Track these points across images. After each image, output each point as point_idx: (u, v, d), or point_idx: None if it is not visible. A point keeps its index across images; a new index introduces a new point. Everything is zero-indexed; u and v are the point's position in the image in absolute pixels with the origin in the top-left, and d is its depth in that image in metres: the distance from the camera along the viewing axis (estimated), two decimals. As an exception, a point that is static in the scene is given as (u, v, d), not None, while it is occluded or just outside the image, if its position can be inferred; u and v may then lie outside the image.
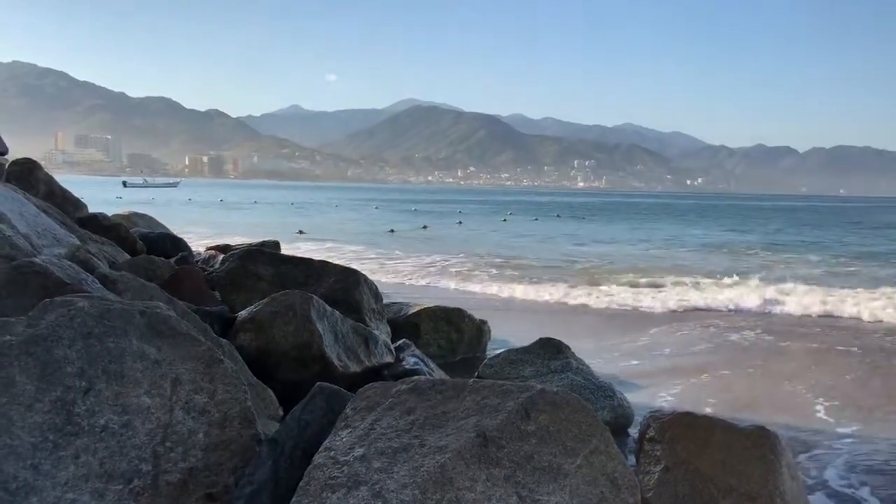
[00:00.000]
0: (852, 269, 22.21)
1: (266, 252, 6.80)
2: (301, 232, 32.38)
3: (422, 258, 22.45)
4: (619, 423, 5.40)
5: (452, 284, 16.30)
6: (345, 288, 6.39)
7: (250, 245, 10.33)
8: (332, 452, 2.74)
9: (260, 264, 6.52)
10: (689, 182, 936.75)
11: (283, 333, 5.08)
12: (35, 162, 9.11)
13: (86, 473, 2.94)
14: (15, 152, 10.47)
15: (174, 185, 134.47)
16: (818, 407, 7.07)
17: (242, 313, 5.35)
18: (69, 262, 4.55)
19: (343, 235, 32.63)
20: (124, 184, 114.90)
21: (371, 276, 7.73)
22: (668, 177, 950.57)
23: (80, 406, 3.03)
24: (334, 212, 60.91)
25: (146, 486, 3.04)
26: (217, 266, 7.16)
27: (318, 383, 3.32)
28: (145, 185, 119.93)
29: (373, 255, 23.19)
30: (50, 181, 8.96)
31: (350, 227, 39.37)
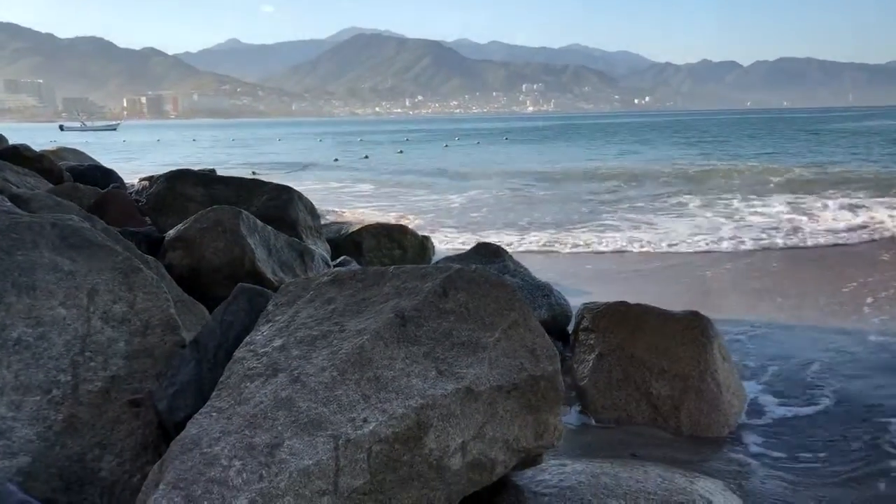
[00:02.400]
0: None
1: (195, 172, 6.60)
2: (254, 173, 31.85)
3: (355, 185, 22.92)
4: (557, 322, 5.46)
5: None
6: (278, 205, 6.26)
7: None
8: (252, 346, 2.69)
9: (189, 185, 6.33)
10: (636, 101, 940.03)
11: (212, 250, 4.96)
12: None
13: (0, 386, 2.85)
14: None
15: (113, 127, 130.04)
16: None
17: (171, 232, 5.21)
18: (-22, 185, 4.34)
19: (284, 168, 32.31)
20: (61, 128, 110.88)
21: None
22: (616, 97, 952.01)
23: (-10, 320, 2.92)
24: (277, 146, 59.76)
25: (66, 395, 2.96)
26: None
27: (239, 284, 3.25)
28: (83, 129, 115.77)
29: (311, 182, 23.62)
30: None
31: (291, 160, 38.76)
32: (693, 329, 4.30)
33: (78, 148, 16.02)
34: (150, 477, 2.29)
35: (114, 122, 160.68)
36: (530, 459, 2.68)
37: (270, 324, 2.80)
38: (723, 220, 13.53)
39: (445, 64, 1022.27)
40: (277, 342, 2.64)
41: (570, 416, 4.42)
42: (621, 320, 4.39)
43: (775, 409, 4.68)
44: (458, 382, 2.40)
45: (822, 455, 3.98)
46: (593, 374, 4.32)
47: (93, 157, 12.44)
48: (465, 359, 2.47)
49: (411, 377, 2.40)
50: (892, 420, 4.43)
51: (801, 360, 5.59)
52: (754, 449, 4.02)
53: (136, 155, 43.33)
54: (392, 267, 2.86)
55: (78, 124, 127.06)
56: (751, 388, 4.90)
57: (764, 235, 11.50)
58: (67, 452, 2.85)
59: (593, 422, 4.24)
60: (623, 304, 4.51)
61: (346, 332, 2.57)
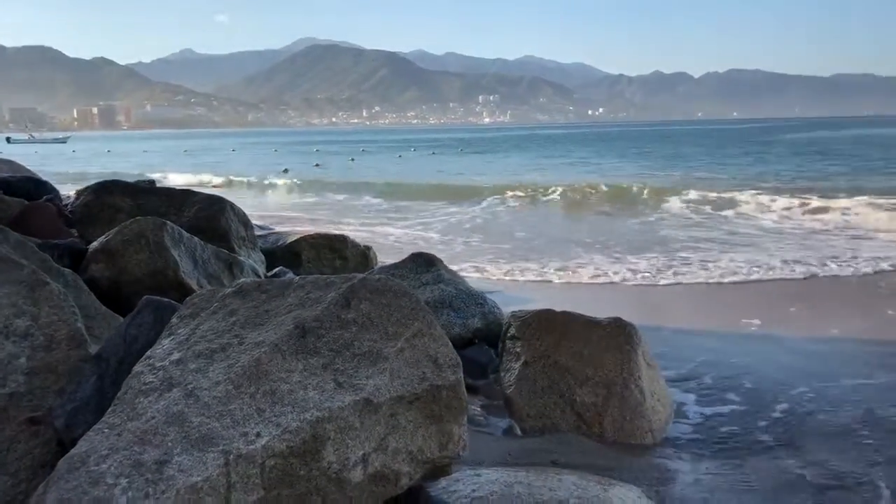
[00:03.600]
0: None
1: (124, 183, 6.46)
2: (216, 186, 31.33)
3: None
4: (490, 329, 5.45)
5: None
6: (209, 216, 6.15)
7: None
8: (151, 360, 2.62)
9: (117, 196, 6.19)
10: (590, 112, 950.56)
11: (135, 262, 4.85)
12: None
13: None
14: None
15: (63, 140, 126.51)
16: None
17: (93, 244, 5.09)
18: None
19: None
20: (8, 140, 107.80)
21: (251, 213, 7.50)
22: (571, 108, 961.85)
23: None
24: (231, 156, 59.08)
25: (-41, 414, 2.85)
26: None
27: (145, 297, 3.16)
28: (31, 141, 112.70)
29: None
30: None
31: (243, 170, 38.39)
32: (617, 336, 4.32)
33: (22, 159, 15.62)
34: (33, 499, 2.21)
35: (63, 135, 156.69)
36: (438, 470, 2.64)
37: (172, 337, 2.73)
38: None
39: (402, 75, 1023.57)
40: (176, 356, 2.58)
41: (497, 425, 4.42)
42: (547, 328, 4.39)
43: (701, 414, 4.74)
44: (356, 394, 2.36)
45: (745, 461, 4.02)
46: (519, 382, 4.31)
47: (38, 167, 12.12)
48: (366, 369, 2.43)
49: (308, 389, 2.35)
50: (815, 425, 4.52)
51: (728, 365, 5.69)
52: (677, 455, 4.05)
53: (84, 166, 42.48)
54: (297, 278, 2.81)
55: (25, 136, 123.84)
56: (677, 394, 4.96)
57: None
58: (-42, 473, 2.74)
59: (518, 430, 4.23)
60: (549, 311, 4.51)
61: (245, 344, 2.52)
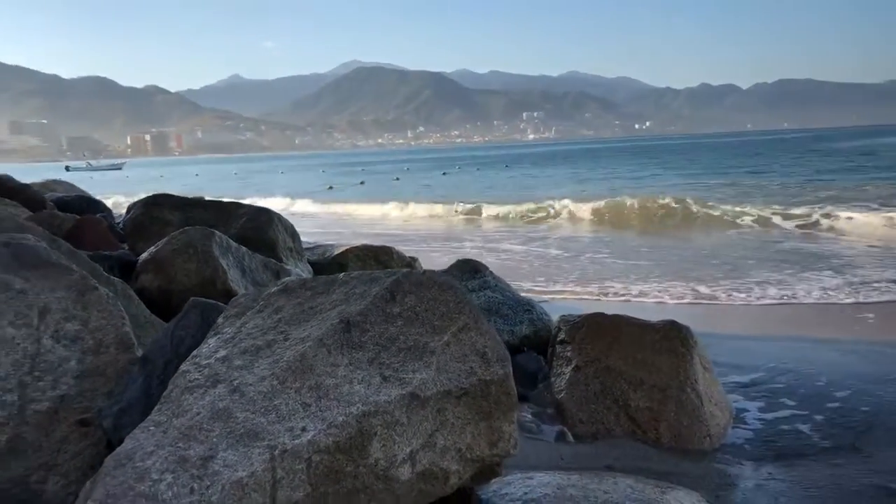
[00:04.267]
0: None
1: (173, 196, 6.54)
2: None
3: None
4: (539, 336, 5.33)
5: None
6: (256, 227, 6.19)
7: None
8: (197, 359, 2.60)
9: (167, 210, 6.27)
10: (637, 126, 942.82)
11: (184, 271, 4.88)
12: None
13: (-58, 408, 2.76)
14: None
15: (119, 167, 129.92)
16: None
17: (143, 255, 5.14)
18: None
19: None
20: (67, 168, 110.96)
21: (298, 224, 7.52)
22: (617, 123, 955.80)
23: (-69, 340, 2.84)
24: (279, 177, 60.00)
25: (11, 415, 2.87)
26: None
27: (191, 298, 3.16)
28: (89, 169, 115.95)
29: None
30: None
31: (291, 188, 38.96)
32: (672, 339, 4.19)
33: (78, 183, 16.03)
34: (81, 495, 2.19)
35: (119, 161, 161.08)
36: (487, 469, 2.56)
37: (217, 336, 2.71)
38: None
39: (446, 95, 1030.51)
40: (221, 353, 2.55)
41: (549, 432, 4.30)
42: (598, 332, 4.28)
43: (763, 420, 4.55)
44: (402, 388, 2.30)
45: (809, 468, 3.84)
46: (570, 388, 4.20)
47: (92, 191, 12.38)
48: (412, 364, 2.37)
49: (354, 384, 2.30)
50: (884, 431, 4.30)
51: (794, 373, 5.48)
52: (737, 461, 3.89)
53: (137, 189, 43.53)
54: (342, 274, 2.78)
55: (83, 164, 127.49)
56: (738, 400, 4.78)
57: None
58: (10, 475, 2.75)
59: (571, 437, 4.12)
60: (599, 314, 4.40)
61: (290, 340, 2.48)
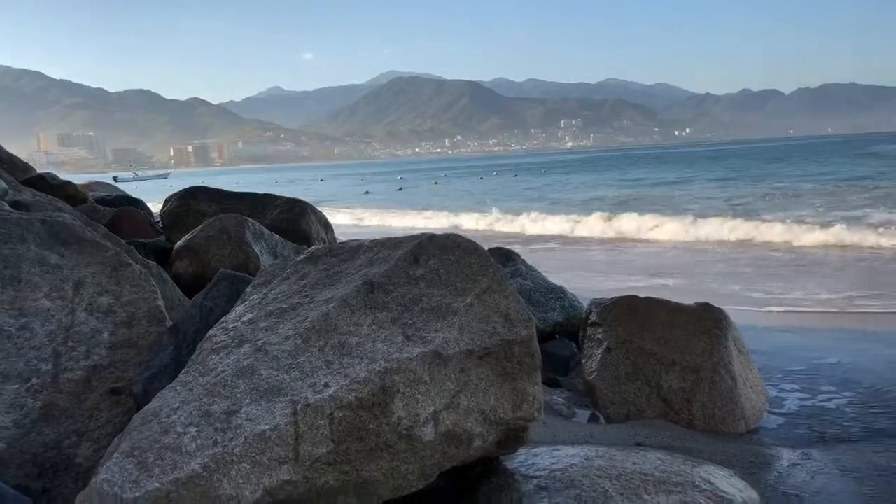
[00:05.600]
0: None
1: (209, 189, 6.64)
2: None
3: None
4: (571, 323, 5.30)
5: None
6: (290, 218, 6.25)
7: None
8: (224, 323, 2.62)
9: (203, 201, 6.36)
10: (676, 133, 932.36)
11: (218, 257, 4.95)
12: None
13: (-21, 375, 2.83)
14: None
15: (164, 176, 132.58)
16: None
17: (178, 242, 5.22)
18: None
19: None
20: (115, 179, 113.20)
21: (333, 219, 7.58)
22: (656, 129, 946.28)
23: (-28, 311, 2.91)
24: (318, 185, 60.62)
25: (45, 383, 2.93)
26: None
27: (221, 270, 3.20)
28: (136, 179, 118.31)
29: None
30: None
31: (331, 194, 39.39)
32: (705, 320, 4.12)
33: (122, 189, 16.36)
34: (108, 450, 2.23)
35: (164, 171, 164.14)
36: (512, 435, 2.53)
37: (245, 303, 2.74)
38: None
39: (483, 103, 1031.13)
40: (247, 317, 2.58)
41: (582, 415, 4.26)
42: (630, 313, 4.23)
43: (800, 405, 4.45)
44: (425, 346, 2.30)
45: (846, 450, 3.74)
46: (601, 369, 4.15)
47: (134, 194, 12.59)
48: (435, 324, 2.36)
49: (377, 342, 2.31)
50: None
51: (831, 361, 5.35)
52: (772, 443, 3.81)
53: (180, 196, 44.52)
54: (368, 240, 2.78)
55: (130, 174, 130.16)
56: (773, 383, 4.69)
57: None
58: (43, 439, 2.81)
59: (602, 419, 4.07)
60: (631, 297, 4.35)
61: (315, 302, 2.50)
